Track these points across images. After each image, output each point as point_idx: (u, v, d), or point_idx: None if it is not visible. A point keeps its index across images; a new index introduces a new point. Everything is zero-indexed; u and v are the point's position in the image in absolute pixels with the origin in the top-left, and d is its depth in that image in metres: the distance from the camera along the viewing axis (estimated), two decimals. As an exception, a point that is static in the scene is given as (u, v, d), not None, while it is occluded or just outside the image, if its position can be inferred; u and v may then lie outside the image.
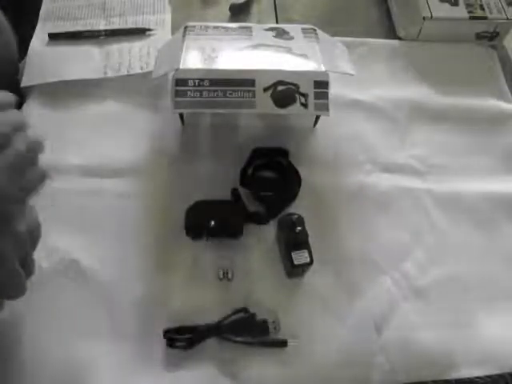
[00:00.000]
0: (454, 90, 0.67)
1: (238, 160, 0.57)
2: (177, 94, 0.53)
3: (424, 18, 0.68)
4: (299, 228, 0.50)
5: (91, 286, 0.50)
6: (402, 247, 0.56)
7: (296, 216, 0.52)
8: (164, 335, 0.47)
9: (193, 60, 0.55)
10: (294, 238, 0.50)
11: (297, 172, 0.57)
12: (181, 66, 0.53)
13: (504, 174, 0.62)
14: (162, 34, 0.68)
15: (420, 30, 0.70)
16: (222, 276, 0.51)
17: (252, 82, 0.53)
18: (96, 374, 0.46)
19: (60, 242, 0.52)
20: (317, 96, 0.54)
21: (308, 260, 0.49)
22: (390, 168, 0.61)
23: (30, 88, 0.62)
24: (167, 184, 0.57)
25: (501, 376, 0.48)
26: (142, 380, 0.46)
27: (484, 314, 0.52)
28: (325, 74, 0.54)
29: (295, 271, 0.51)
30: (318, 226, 0.55)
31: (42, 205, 0.49)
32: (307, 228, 0.52)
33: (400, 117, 0.64)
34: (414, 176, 0.61)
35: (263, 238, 0.54)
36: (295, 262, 0.49)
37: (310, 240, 0.51)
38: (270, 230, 0.54)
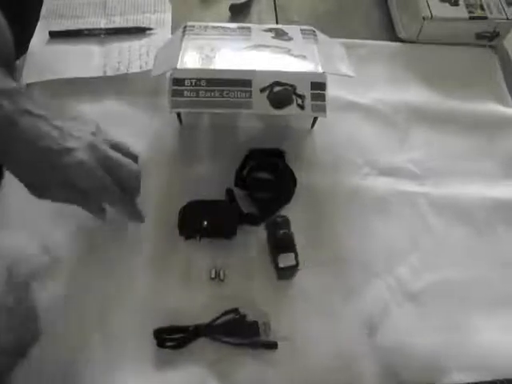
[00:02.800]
0: (454, 94, 0.66)
1: (236, 160, 0.57)
2: (174, 93, 0.53)
3: (424, 18, 0.68)
4: (284, 231, 0.50)
5: (83, 284, 0.50)
6: (397, 251, 0.55)
7: (281, 218, 0.51)
8: (154, 335, 0.47)
9: (191, 59, 0.55)
10: (279, 241, 0.50)
11: (292, 173, 0.57)
12: (178, 66, 0.54)
13: (502, 179, 0.61)
14: (162, 34, 0.68)
15: (420, 30, 0.70)
16: (213, 276, 0.51)
17: (249, 83, 0.53)
18: (85, 373, 0.46)
19: (55, 240, 0.52)
20: (314, 97, 0.53)
21: (294, 262, 0.49)
22: (387, 171, 0.60)
23: (29, 85, 0.62)
24: (164, 183, 0.57)
25: (492, 383, 0.48)
26: (132, 379, 0.46)
27: (478, 320, 0.52)
28: (322, 75, 0.54)
29: (284, 273, 0.50)
30: (313, 228, 0.55)
31: (39, 203, 0.49)
32: (302, 229, 0.52)
33: (398, 120, 0.64)
34: (411, 180, 0.60)
35: (256, 239, 0.54)
36: (280, 265, 0.49)
37: (305, 242, 0.51)
38: (263, 232, 0.53)
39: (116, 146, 0.49)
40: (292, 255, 0.49)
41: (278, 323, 0.49)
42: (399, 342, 0.50)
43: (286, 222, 0.51)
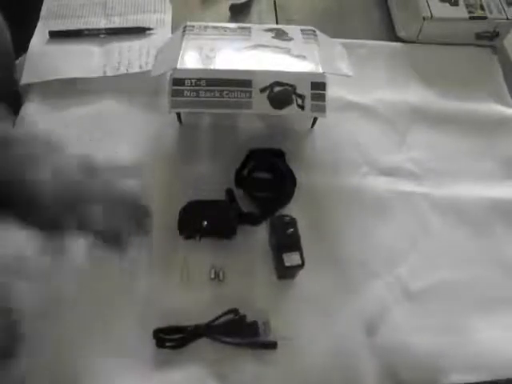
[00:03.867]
0: (454, 94, 0.67)
1: (236, 160, 0.57)
2: (174, 93, 0.53)
3: (424, 18, 0.68)
4: (291, 230, 0.50)
5: (82, 284, 0.50)
6: (396, 251, 0.55)
7: (288, 218, 0.51)
8: (154, 335, 0.47)
9: (191, 60, 0.55)
10: (285, 240, 0.50)
11: (292, 173, 0.57)
12: (178, 66, 0.54)
13: (502, 180, 0.61)
14: (162, 34, 0.68)
15: (420, 30, 0.70)
16: (213, 276, 0.51)
17: (249, 83, 0.53)
18: (85, 373, 0.46)
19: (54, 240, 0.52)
20: (314, 97, 0.53)
21: (299, 262, 0.49)
22: (387, 171, 0.61)
23: (29, 86, 0.62)
24: (164, 183, 0.57)
25: (493, 383, 0.48)
26: (131, 379, 0.46)
27: (477, 320, 0.52)
28: (322, 75, 0.54)
29: (286, 273, 0.51)
30: (313, 228, 0.54)
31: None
32: (301, 229, 0.52)
33: (398, 120, 0.64)
34: (411, 180, 0.60)
35: (256, 239, 0.54)
36: (286, 264, 0.48)
37: (304, 241, 0.51)
38: (263, 231, 0.54)
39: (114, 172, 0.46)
40: (297, 254, 0.49)
41: (278, 323, 0.49)
42: (399, 342, 0.50)
43: (293, 222, 0.51)
